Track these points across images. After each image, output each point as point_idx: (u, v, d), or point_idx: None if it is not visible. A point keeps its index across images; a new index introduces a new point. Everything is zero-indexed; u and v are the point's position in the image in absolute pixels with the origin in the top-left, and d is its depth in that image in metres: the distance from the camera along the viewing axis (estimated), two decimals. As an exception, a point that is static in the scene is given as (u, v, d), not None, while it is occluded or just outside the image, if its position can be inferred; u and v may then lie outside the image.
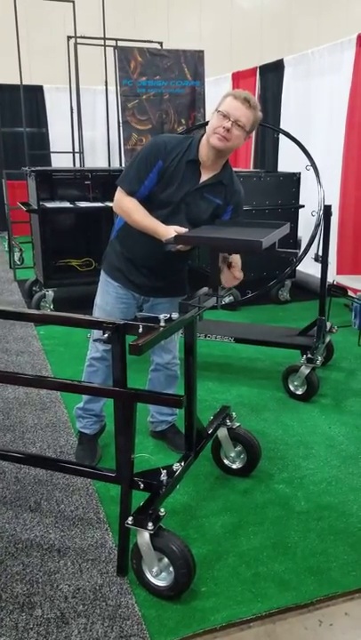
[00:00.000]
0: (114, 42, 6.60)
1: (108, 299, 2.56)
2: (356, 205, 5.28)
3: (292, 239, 5.30)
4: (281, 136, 6.06)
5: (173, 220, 2.28)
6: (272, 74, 6.67)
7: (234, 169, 2.49)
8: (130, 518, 1.89)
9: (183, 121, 6.06)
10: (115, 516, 2.11)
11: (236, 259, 2.29)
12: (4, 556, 2.10)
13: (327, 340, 3.76)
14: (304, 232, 5.27)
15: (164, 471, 2.03)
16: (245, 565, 2.07)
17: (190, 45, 6.28)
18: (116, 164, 7.96)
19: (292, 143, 4.55)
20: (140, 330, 1.84)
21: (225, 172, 2.39)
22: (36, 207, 4.98)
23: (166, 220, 2.27)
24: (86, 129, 7.68)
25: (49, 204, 5.11)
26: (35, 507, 2.39)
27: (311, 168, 4.43)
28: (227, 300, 4.75)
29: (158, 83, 5.89)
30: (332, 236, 3.92)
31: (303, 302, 5.41)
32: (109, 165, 8.21)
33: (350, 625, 1.85)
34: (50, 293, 5.01)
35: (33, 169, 5.12)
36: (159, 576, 1.91)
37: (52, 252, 5.13)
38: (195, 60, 6.03)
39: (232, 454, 2.58)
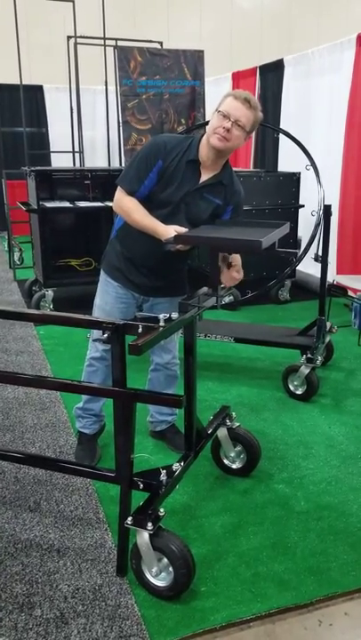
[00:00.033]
0: (114, 42, 6.59)
1: (108, 298, 2.56)
2: (356, 205, 5.28)
3: (292, 239, 5.30)
4: (281, 136, 6.05)
5: (173, 220, 2.27)
6: (272, 74, 6.67)
7: (234, 169, 2.49)
8: (129, 518, 1.89)
9: (183, 121, 6.05)
10: (114, 516, 2.11)
11: (236, 258, 2.29)
12: (4, 556, 2.10)
13: (327, 339, 3.76)
14: (304, 232, 5.27)
15: (164, 471, 2.03)
16: (245, 565, 2.07)
17: (190, 45, 6.27)
18: (115, 164, 7.96)
19: (292, 143, 4.55)
20: (140, 330, 1.84)
21: (225, 173, 2.39)
22: (36, 207, 4.98)
23: (166, 220, 2.27)
24: (86, 129, 7.68)
25: (49, 204, 5.11)
26: (34, 507, 2.39)
27: (311, 168, 4.43)
28: (226, 299, 4.74)
29: (158, 82, 5.89)
30: (332, 236, 3.92)
31: (303, 302, 5.41)
32: (109, 165, 8.21)
33: (350, 625, 1.85)
34: (49, 293, 5.00)
35: (33, 169, 5.12)
36: (159, 576, 1.91)
37: (52, 251, 5.13)
38: (195, 60, 6.03)
39: (232, 454, 2.58)
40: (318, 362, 3.44)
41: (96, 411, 2.74)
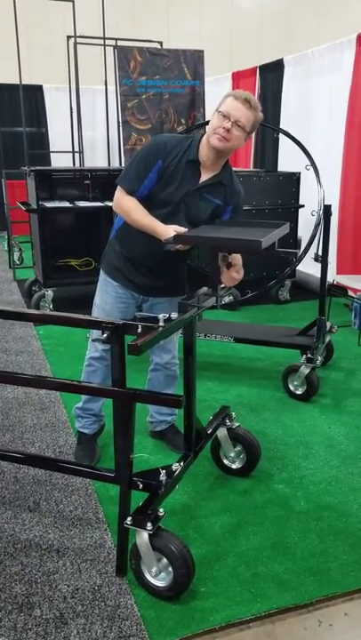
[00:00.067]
0: (113, 41, 6.59)
1: (108, 298, 2.56)
2: (356, 205, 5.28)
3: (291, 239, 5.30)
4: (281, 136, 6.05)
5: (173, 220, 2.27)
6: (272, 74, 6.66)
7: (234, 169, 2.49)
8: (129, 518, 1.88)
9: (183, 121, 6.05)
10: (114, 516, 2.10)
11: (236, 258, 2.29)
12: (3, 556, 2.10)
13: (327, 339, 3.76)
14: (304, 232, 5.27)
15: (164, 471, 2.02)
16: (245, 566, 2.07)
17: (190, 45, 6.27)
18: (115, 164, 7.96)
19: (292, 143, 4.55)
20: (139, 330, 1.83)
21: (225, 173, 2.39)
22: (36, 207, 4.97)
23: (165, 220, 2.26)
24: (86, 129, 7.68)
25: (48, 204, 5.11)
26: (34, 507, 2.38)
27: (311, 168, 4.42)
28: (226, 299, 4.74)
29: (158, 82, 5.89)
30: (331, 236, 3.92)
31: (303, 302, 5.41)
32: (109, 165, 8.21)
33: (350, 625, 1.85)
34: (49, 293, 5.00)
35: (32, 168, 5.12)
36: (158, 576, 1.90)
37: (52, 251, 5.13)
38: (194, 60, 6.02)
39: (232, 454, 2.58)
40: (318, 362, 3.44)
41: (95, 411, 2.73)
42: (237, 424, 2.54)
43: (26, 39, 7.08)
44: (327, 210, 3.51)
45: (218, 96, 2.34)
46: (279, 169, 6.30)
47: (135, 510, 1.91)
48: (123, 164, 6.59)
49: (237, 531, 2.25)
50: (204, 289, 2.22)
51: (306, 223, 5.25)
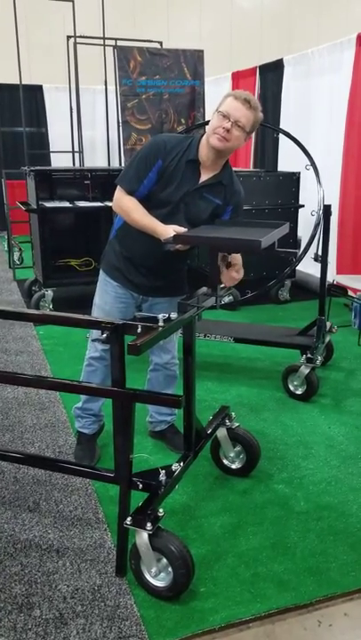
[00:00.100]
0: (113, 41, 6.59)
1: (107, 298, 2.55)
2: (356, 205, 5.28)
3: (291, 239, 5.30)
4: (281, 136, 6.05)
5: (172, 220, 2.27)
6: (272, 73, 6.66)
7: (234, 169, 2.49)
8: (128, 518, 1.88)
9: (183, 121, 6.05)
10: (113, 517, 2.10)
11: (236, 258, 2.29)
12: (3, 556, 2.10)
13: (327, 339, 3.76)
14: (304, 232, 5.27)
15: (163, 471, 2.02)
16: (244, 566, 2.07)
17: (190, 45, 6.27)
18: (115, 164, 7.96)
19: (292, 143, 4.55)
20: (139, 330, 1.83)
21: (225, 173, 2.39)
22: (36, 207, 4.97)
23: (165, 220, 2.26)
24: (86, 129, 7.68)
25: (48, 204, 5.11)
26: (33, 507, 2.38)
27: (311, 168, 4.42)
28: (226, 299, 4.74)
29: (158, 82, 5.88)
30: (331, 236, 3.92)
31: (303, 302, 5.40)
32: (109, 165, 8.21)
33: (350, 625, 1.85)
34: (49, 293, 5.00)
35: (32, 168, 5.12)
36: (158, 576, 1.90)
37: (52, 251, 5.13)
38: (194, 60, 6.02)
39: (231, 454, 2.58)
40: (318, 362, 3.43)
41: (95, 411, 2.73)
42: (237, 424, 2.54)
43: (26, 39, 7.08)
44: (327, 210, 3.51)
45: (218, 96, 2.34)
46: (279, 169, 6.30)
47: (135, 510, 1.91)
48: (123, 164, 6.59)
49: (237, 531, 2.25)
50: (204, 289, 2.22)
51: (306, 223, 5.25)
